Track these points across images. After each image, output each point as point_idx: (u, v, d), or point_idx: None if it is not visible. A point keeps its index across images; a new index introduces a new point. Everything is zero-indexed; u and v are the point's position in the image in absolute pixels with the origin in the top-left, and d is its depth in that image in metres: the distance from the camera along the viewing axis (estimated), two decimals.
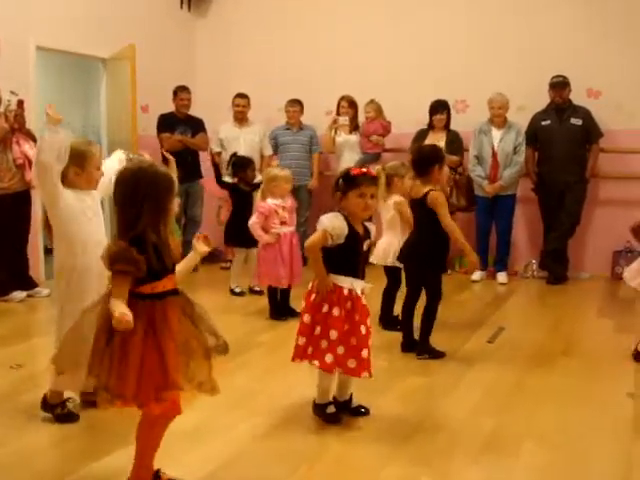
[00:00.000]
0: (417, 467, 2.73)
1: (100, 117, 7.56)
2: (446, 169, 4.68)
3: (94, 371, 2.23)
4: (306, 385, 3.30)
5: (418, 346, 4.18)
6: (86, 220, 3.07)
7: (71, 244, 3.05)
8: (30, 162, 5.56)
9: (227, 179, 6.77)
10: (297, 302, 4.84)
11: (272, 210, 4.92)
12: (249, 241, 5.30)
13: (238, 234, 5.62)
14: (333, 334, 3.00)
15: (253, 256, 5.53)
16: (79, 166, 3.04)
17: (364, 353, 3.03)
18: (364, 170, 3.10)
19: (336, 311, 3.02)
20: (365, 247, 3.14)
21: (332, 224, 3.02)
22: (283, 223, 4.95)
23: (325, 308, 3.05)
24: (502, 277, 6.54)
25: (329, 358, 3.00)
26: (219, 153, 7.35)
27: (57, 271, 3.11)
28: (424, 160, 4.11)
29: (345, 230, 3.02)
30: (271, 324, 4.94)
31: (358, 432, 3.07)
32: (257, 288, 5.75)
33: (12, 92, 5.66)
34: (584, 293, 6.11)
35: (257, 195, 5.15)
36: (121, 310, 2.13)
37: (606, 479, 2.68)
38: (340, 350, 3.01)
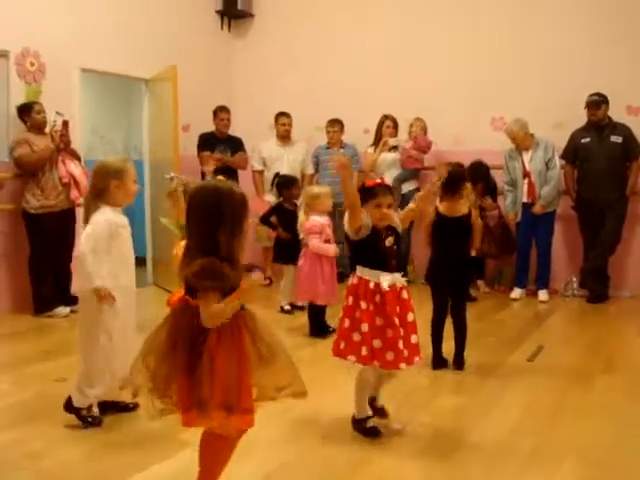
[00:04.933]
0: None
1: (142, 137, 7.74)
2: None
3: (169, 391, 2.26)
4: (344, 401, 3.31)
5: (456, 360, 4.20)
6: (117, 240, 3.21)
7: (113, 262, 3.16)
8: (76, 181, 5.73)
9: (269, 198, 6.87)
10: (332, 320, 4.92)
11: (324, 226, 4.98)
12: (296, 258, 5.37)
13: (286, 252, 5.69)
14: (364, 327, 3.03)
15: (293, 272, 5.57)
16: (119, 179, 3.22)
17: (401, 344, 3.04)
18: (378, 181, 3.19)
19: (363, 304, 3.06)
20: (388, 243, 3.15)
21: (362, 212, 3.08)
22: (327, 241, 5.00)
23: (350, 301, 3.10)
24: (543, 295, 6.48)
25: (364, 351, 3.03)
26: (261, 172, 7.44)
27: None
28: (456, 179, 4.13)
29: (370, 223, 3.08)
30: (310, 341, 4.97)
31: (397, 450, 3.07)
32: (299, 303, 5.78)
33: (58, 113, 5.81)
34: (625, 312, 6.03)
35: (300, 215, 5.19)
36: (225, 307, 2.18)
37: None
38: (377, 344, 3.03)
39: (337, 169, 2.99)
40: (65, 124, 5.71)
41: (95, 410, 3.33)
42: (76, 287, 3.20)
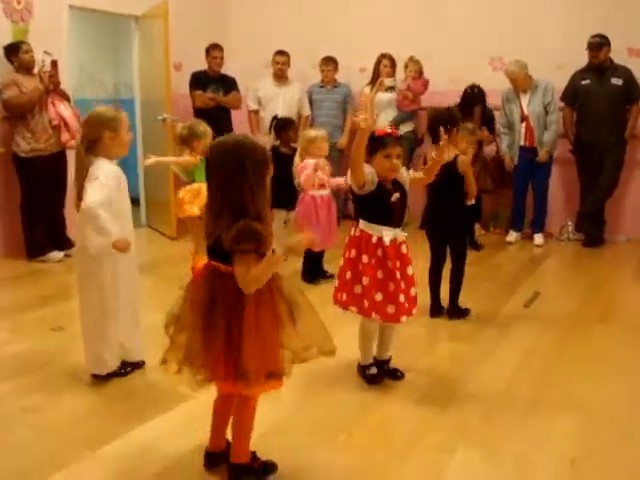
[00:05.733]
0: (455, 435, 2.76)
1: (132, 75, 7.54)
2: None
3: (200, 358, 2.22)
4: (347, 347, 3.29)
5: (449, 309, 4.22)
6: (120, 192, 3.13)
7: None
8: (66, 123, 5.60)
9: (265, 138, 6.76)
10: (330, 264, 4.97)
11: (318, 164, 4.87)
12: (290, 203, 5.30)
13: (279, 196, 5.60)
14: (365, 280, 3.04)
15: (292, 218, 5.51)
16: (113, 130, 3.08)
17: (401, 298, 3.05)
18: (388, 131, 3.11)
19: (365, 258, 3.05)
20: (394, 199, 3.10)
21: (367, 168, 3.02)
22: (322, 186, 4.92)
23: (353, 253, 3.09)
24: (539, 239, 6.47)
25: (366, 303, 3.05)
26: (256, 111, 7.30)
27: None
28: (443, 124, 4.03)
29: (376, 180, 3.03)
30: (304, 287, 4.95)
31: (397, 398, 3.11)
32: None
33: (46, 52, 5.64)
34: (621, 256, 6.04)
35: (296, 158, 5.09)
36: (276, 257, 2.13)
37: None
38: (378, 297, 3.04)
39: (357, 124, 2.83)
40: (54, 64, 5.55)
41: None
42: (85, 243, 3.04)
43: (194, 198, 4.73)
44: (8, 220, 5.77)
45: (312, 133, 4.95)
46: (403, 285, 3.06)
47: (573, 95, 6.31)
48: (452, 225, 4.14)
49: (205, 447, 2.51)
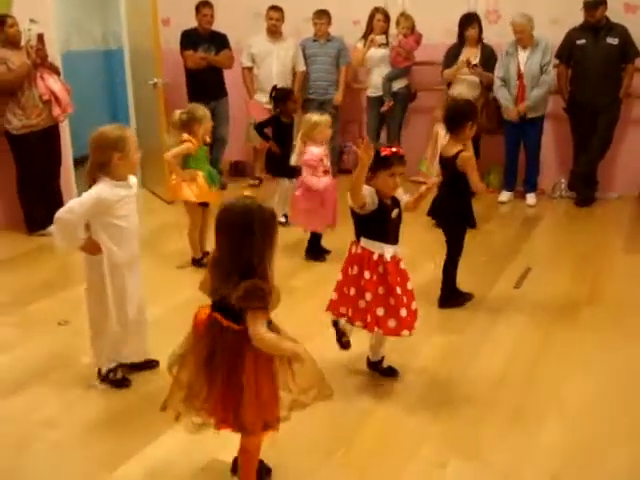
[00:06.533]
0: (447, 447, 2.93)
1: (121, 24, 7.31)
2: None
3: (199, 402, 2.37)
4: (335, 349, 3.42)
5: (440, 298, 4.32)
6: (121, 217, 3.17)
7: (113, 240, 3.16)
8: (56, 97, 5.55)
9: (260, 97, 6.72)
10: (327, 241, 5.12)
11: (321, 157, 4.91)
12: (291, 172, 5.36)
13: (280, 165, 5.65)
14: (368, 296, 3.17)
15: (291, 187, 5.56)
16: (121, 151, 3.06)
17: (403, 312, 3.18)
18: (394, 150, 3.15)
19: (367, 274, 3.17)
20: (394, 215, 3.21)
21: (367, 190, 3.11)
22: (325, 172, 4.95)
23: (355, 270, 3.21)
24: (531, 198, 6.55)
25: (369, 318, 3.19)
26: (250, 68, 7.21)
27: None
28: (458, 116, 4.05)
29: (376, 200, 3.12)
30: (306, 265, 5.10)
31: (394, 403, 3.27)
32: (282, 220, 5.81)
33: (32, 20, 5.53)
34: (611, 217, 6.15)
35: (297, 142, 5.08)
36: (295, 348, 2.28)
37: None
38: (380, 312, 3.18)
39: (360, 153, 2.93)
40: (40, 38, 5.45)
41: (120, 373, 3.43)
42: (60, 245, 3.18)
43: (190, 184, 4.77)
44: (7, 195, 5.80)
45: (315, 118, 4.93)
46: (405, 299, 3.19)
47: (568, 54, 6.26)
48: (450, 220, 4.21)
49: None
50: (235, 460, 2.67)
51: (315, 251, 5.17)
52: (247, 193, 2.36)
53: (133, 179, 3.24)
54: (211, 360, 2.33)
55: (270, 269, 2.30)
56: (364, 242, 3.20)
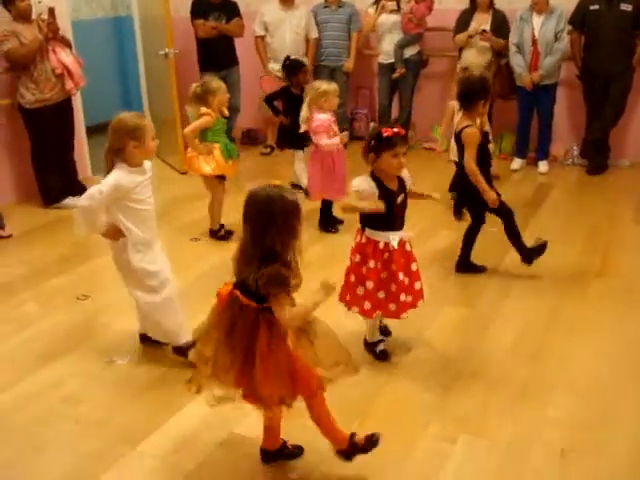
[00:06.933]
0: (456, 424, 3.00)
1: None
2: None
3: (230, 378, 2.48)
4: (355, 318, 3.49)
5: (457, 263, 4.43)
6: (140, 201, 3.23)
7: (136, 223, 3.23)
8: (69, 71, 5.57)
9: (273, 65, 6.75)
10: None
11: (330, 124, 4.92)
12: (304, 141, 5.41)
13: (292, 137, 5.66)
14: (369, 284, 3.24)
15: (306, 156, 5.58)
16: (137, 139, 3.11)
17: (402, 297, 3.25)
18: (396, 130, 3.12)
19: (371, 263, 3.22)
20: (399, 200, 3.23)
21: (360, 186, 3.15)
22: (334, 134, 4.96)
23: (357, 258, 3.26)
24: (543, 166, 6.54)
25: (367, 305, 3.27)
26: (262, 37, 7.17)
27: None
28: (471, 93, 4.05)
29: (374, 191, 3.14)
30: (320, 236, 5.15)
31: (404, 377, 3.35)
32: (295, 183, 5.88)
33: None
34: (623, 185, 6.15)
35: (304, 108, 5.05)
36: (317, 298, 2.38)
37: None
38: (381, 295, 3.25)
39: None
40: (51, 12, 5.44)
41: None
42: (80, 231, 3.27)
43: (206, 157, 4.80)
44: (22, 168, 5.88)
45: (324, 86, 4.91)
46: (407, 281, 3.24)
47: (581, 20, 6.18)
48: (466, 191, 4.26)
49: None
50: (264, 451, 2.77)
51: (327, 221, 5.21)
52: (276, 182, 2.42)
53: (148, 163, 3.29)
54: (231, 334, 2.45)
55: (293, 257, 2.38)
56: (369, 232, 3.22)
